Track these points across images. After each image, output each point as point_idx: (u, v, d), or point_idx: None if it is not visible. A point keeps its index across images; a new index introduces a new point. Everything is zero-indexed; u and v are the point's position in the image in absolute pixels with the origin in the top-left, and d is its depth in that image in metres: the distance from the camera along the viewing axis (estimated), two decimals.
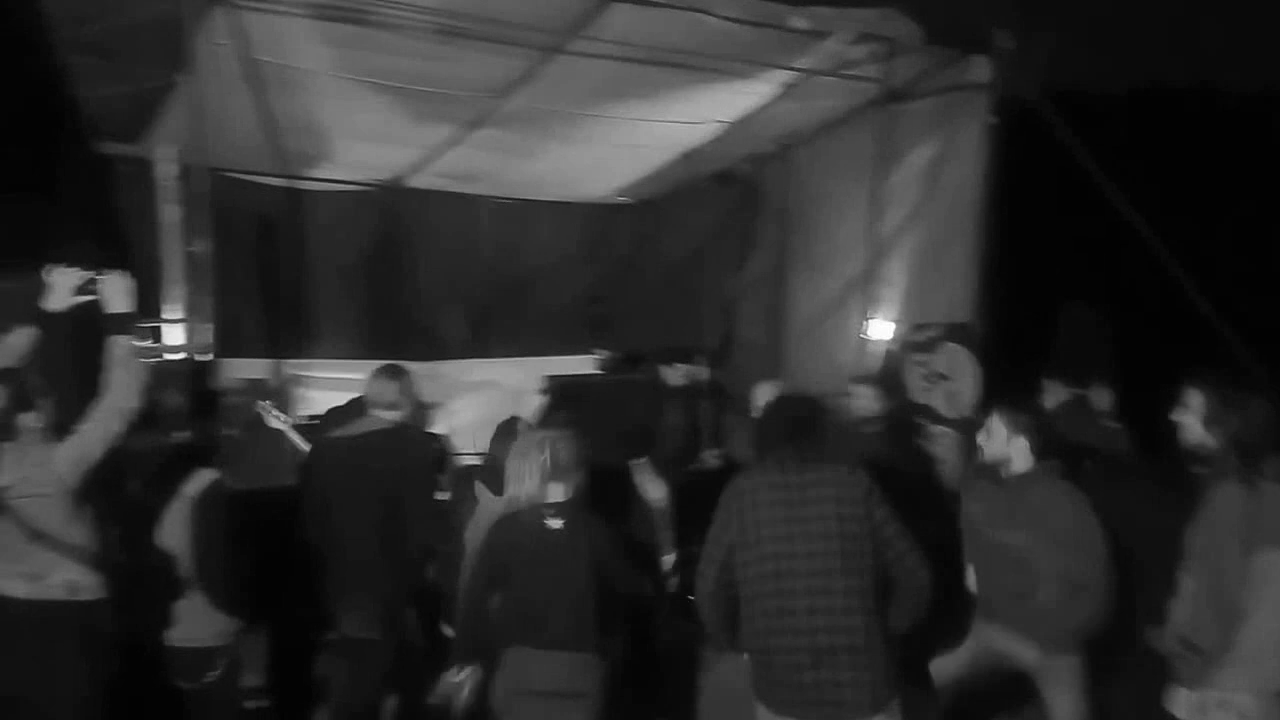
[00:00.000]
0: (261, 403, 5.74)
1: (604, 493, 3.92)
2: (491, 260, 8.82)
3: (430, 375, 8.38)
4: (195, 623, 3.75)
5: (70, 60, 5.20)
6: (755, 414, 5.26)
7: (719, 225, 9.07)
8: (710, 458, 7.23)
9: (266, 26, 5.25)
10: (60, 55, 5.10)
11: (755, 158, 8.43)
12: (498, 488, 3.95)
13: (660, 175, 8.52)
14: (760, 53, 6.07)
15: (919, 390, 6.76)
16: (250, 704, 4.39)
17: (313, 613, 4.25)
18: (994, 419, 4.15)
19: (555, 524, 3.56)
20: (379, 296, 8.41)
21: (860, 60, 6.37)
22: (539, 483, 3.64)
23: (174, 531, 3.73)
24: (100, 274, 3.64)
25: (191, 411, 3.99)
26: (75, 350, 3.82)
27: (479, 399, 8.14)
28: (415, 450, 4.44)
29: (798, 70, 6.40)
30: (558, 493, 3.64)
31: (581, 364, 8.44)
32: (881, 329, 7.18)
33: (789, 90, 6.79)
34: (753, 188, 8.80)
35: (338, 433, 4.49)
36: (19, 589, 3.34)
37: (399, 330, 8.42)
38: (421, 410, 5.22)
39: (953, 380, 6.57)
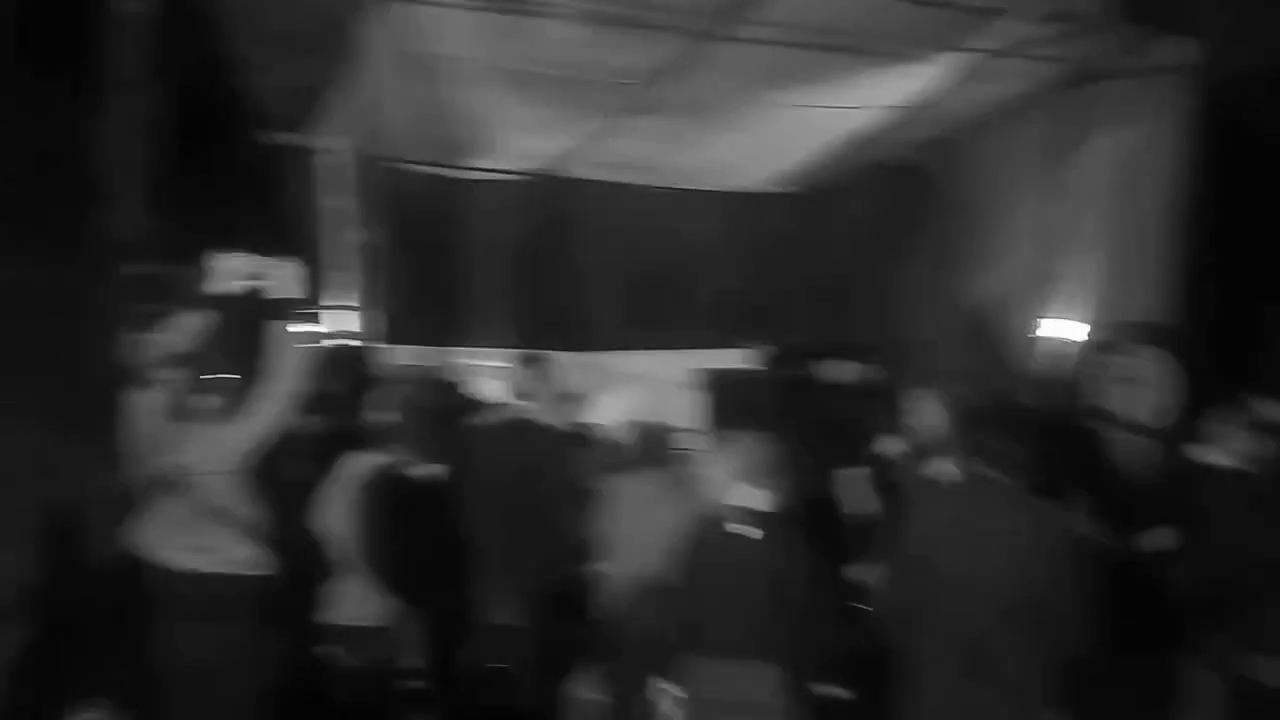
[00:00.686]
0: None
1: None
2: (649, 250, 8.70)
3: (585, 365, 8.42)
4: (354, 603, 3.81)
5: (242, 52, 5.39)
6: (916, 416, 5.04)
7: (886, 215, 8.70)
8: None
9: (427, 18, 5.32)
10: (233, 47, 5.29)
11: (927, 144, 8.03)
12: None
13: (824, 163, 8.24)
14: (933, 33, 5.75)
15: (1101, 393, 6.32)
16: (409, 685, 4.48)
17: (461, 598, 4.27)
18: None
19: (742, 530, 3.45)
20: (536, 285, 8.45)
21: (1044, 39, 5.95)
22: (733, 487, 3.53)
23: (333, 513, 3.80)
24: (268, 260, 3.74)
25: (353, 396, 4.07)
26: (245, 335, 3.92)
27: (633, 391, 8.10)
28: (552, 441, 4.41)
29: (974, 51, 6.03)
30: (753, 499, 3.51)
31: (738, 358, 8.26)
32: (1060, 327, 6.76)
33: (965, 73, 6.41)
34: (924, 176, 8.41)
35: (484, 421, 4.53)
36: (190, 562, 3.46)
37: (555, 319, 8.44)
38: (564, 399, 5.19)
39: (1141, 385, 6.10)
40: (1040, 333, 6.69)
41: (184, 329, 3.70)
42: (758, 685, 3.32)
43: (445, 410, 5.24)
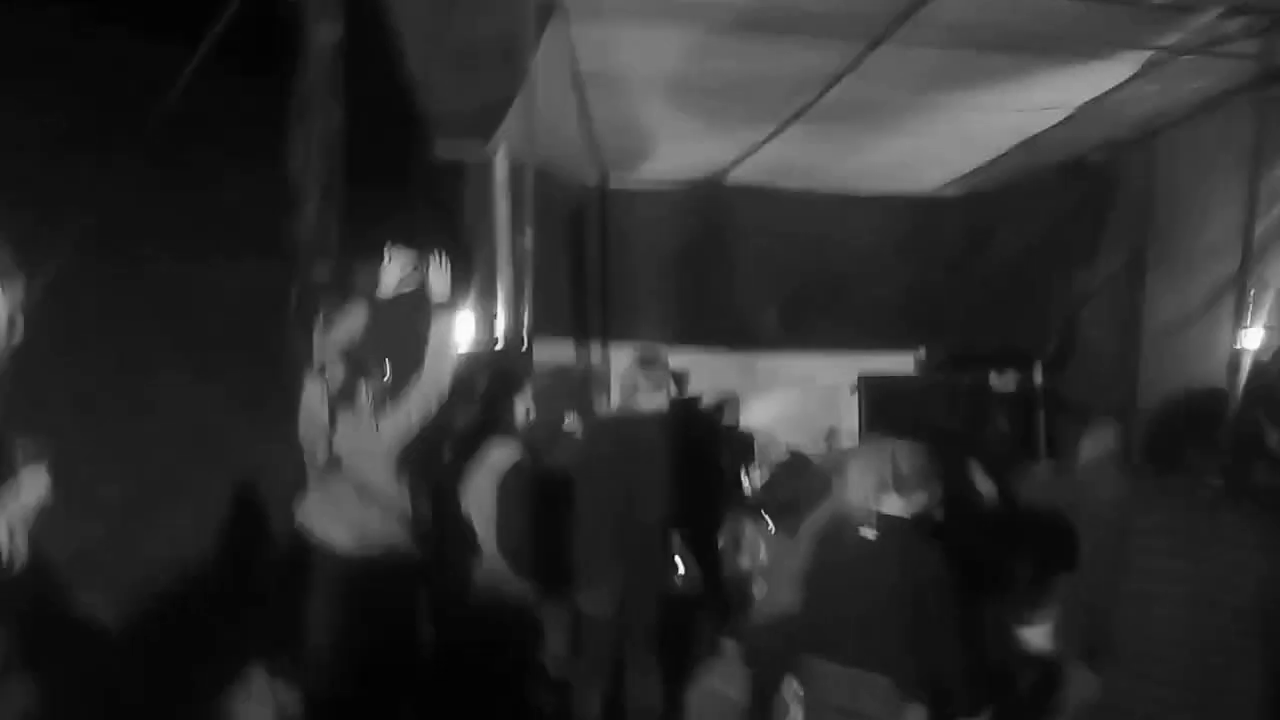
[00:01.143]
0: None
1: None
2: (810, 254, 8.64)
3: (743, 368, 8.50)
4: (495, 587, 4.02)
5: (424, 71, 5.77)
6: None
7: (1064, 219, 8.30)
8: (1041, 472, 6.71)
9: (599, 33, 5.52)
10: (412, 66, 5.67)
11: (1109, 145, 7.64)
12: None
13: (997, 165, 7.96)
14: (1115, 30, 5.49)
15: None
16: (550, 671, 4.69)
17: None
18: None
19: (872, 535, 3.40)
20: (696, 288, 8.56)
21: (1235, 35, 5.58)
22: (874, 493, 3.48)
23: (476, 501, 4.03)
24: (431, 263, 4.01)
25: (500, 392, 4.30)
26: (406, 331, 4.23)
27: (792, 394, 8.11)
28: (661, 437, 4.46)
29: (1160, 49, 5.72)
30: (894, 505, 3.47)
31: (902, 364, 8.13)
32: (1258, 338, 6.30)
33: (1149, 71, 6.07)
34: (1105, 178, 7.99)
35: (604, 416, 4.66)
36: (348, 539, 3.75)
37: (714, 321, 8.55)
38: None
39: None
40: (1239, 345, 6.25)
41: (352, 324, 4.02)
42: (872, 697, 3.26)
43: (582, 406, 5.47)
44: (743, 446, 6.56)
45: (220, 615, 4.27)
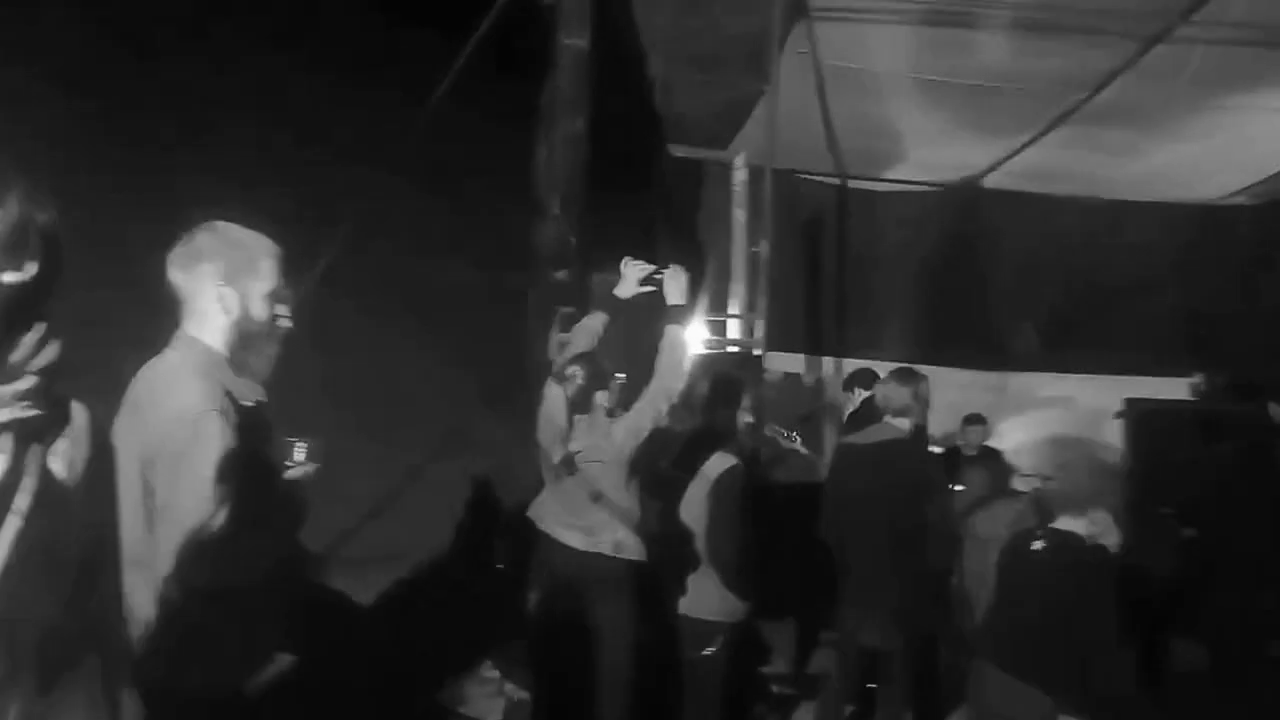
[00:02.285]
0: (778, 429, 5.88)
1: None
2: (1076, 266, 7.98)
3: (998, 387, 7.97)
4: (705, 597, 3.95)
5: (667, 74, 5.77)
6: None
7: None
8: None
9: (846, 33, 5.34)
10: (659, 68, 5.68)
11: None
12: None
13: None
14: None
15: None
16: (771, 688, 4.56)
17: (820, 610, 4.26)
18: None
19: (1038, 545, 3.31)
20: (945, 300, 8.09)
21: None
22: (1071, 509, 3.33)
23: (693, 509, 3.96)
24: (664, 268, 4.00)
25: (724, 400, 4.20)
26: (640, 337, 4.22)
27: (1049, 416, 7.53)
28: (921, 464, 4.21)
29: None
30: (1085, 525, 3.30)
31: (1174, 389, 7.38)
32: None
33: None
34: None
35: (854, 438, 4.46)
36: (577, 540, 3.77)
37: (967, 336, 8.05)
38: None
39: None
40: None
41: (588, 329, 4.07)
42: (1029, 710, 3.16)
43: (814, 421, 5.29)
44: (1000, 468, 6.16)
45: (456, 607, 4.42)
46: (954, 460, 6.51)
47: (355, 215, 4.49)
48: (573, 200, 4.77)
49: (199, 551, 2.05)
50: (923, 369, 7.19)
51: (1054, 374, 7.97)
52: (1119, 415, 6.14)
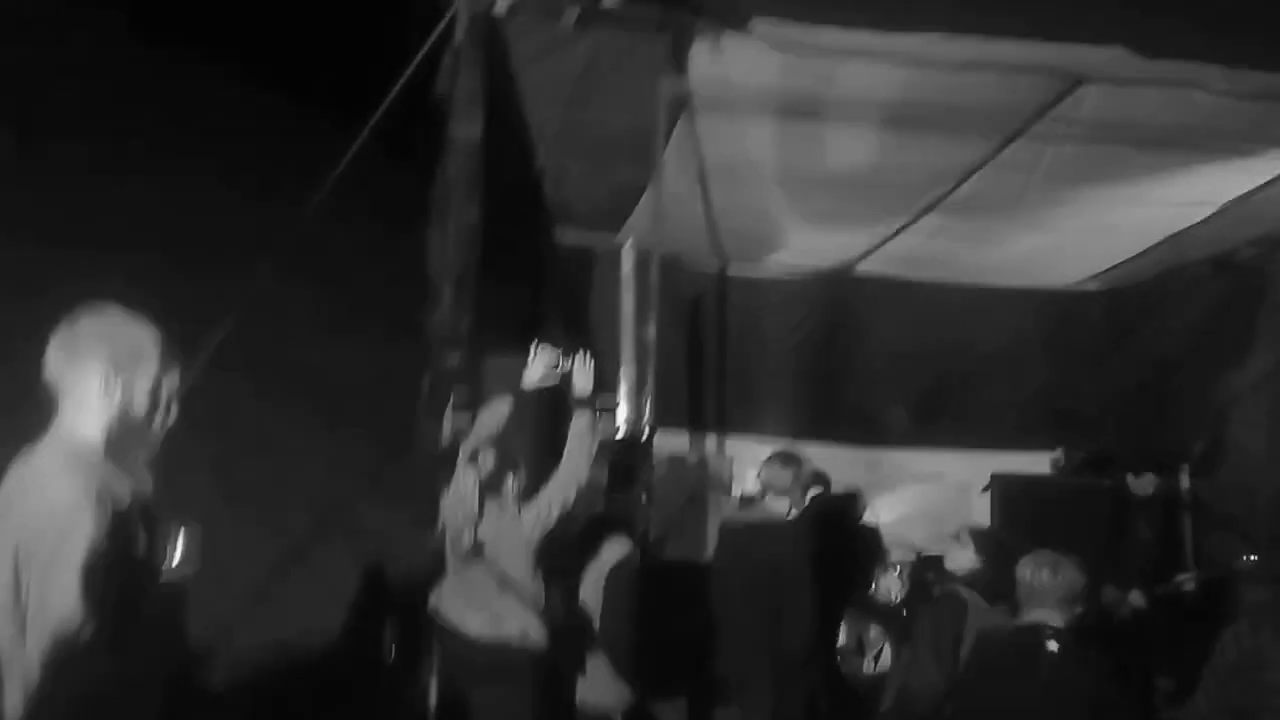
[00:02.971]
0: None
1: None
2: (942, 347, 8.44)
3: (872, 463, 8.28)
4: (598, 684, 3.97)
5: (557, 164, 5.94)
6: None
7: (1212, 316, 7.95)
8: (1186, 581, 6.34)
9: (728, 126, 5.60)
10: (548, 159, 5.85)
11: (1261, 241, 7.31)
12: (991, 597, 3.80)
13: (1140, 261, 7.68)
14: (1263, 127, 5.29)
15: None
16: None
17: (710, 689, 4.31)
18: None
19: (1053, 647, 3.38)
20: (821, 380, 8.43)
21: None
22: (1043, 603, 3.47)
23: (590, 595, 4.01)
24: (572, 356, 4.11)
25: (624, 484, 4.29)
26: (546, 423, 4.30)
27: (921, 490, 7.86)
28: (801, 543, 4.37)
29: None
30: (1054, 617, 3.46)
31: (1037, 463, 7.80)
32: None
33: None
34: (1257, 275, 7.64)
35: (739, 517, 4.59)
36: (479, 628, 3.77)
37: (838, 414, 8.39)
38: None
39: None
40: None
41: (494, 414, 4.12)
42: None
43: (699, 501, 5.42)
44: (874, 545, 6.38)
45: (346, 703, 4.31)
46: None
47: (244, 301, 4.45)
48: (466, 285, 4.82)
49: (66, 659, 1.99)
50: (801, 446, 7.54)
51: (925, 450, 8.35)
52: (986, 489, 6.46)
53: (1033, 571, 3.51)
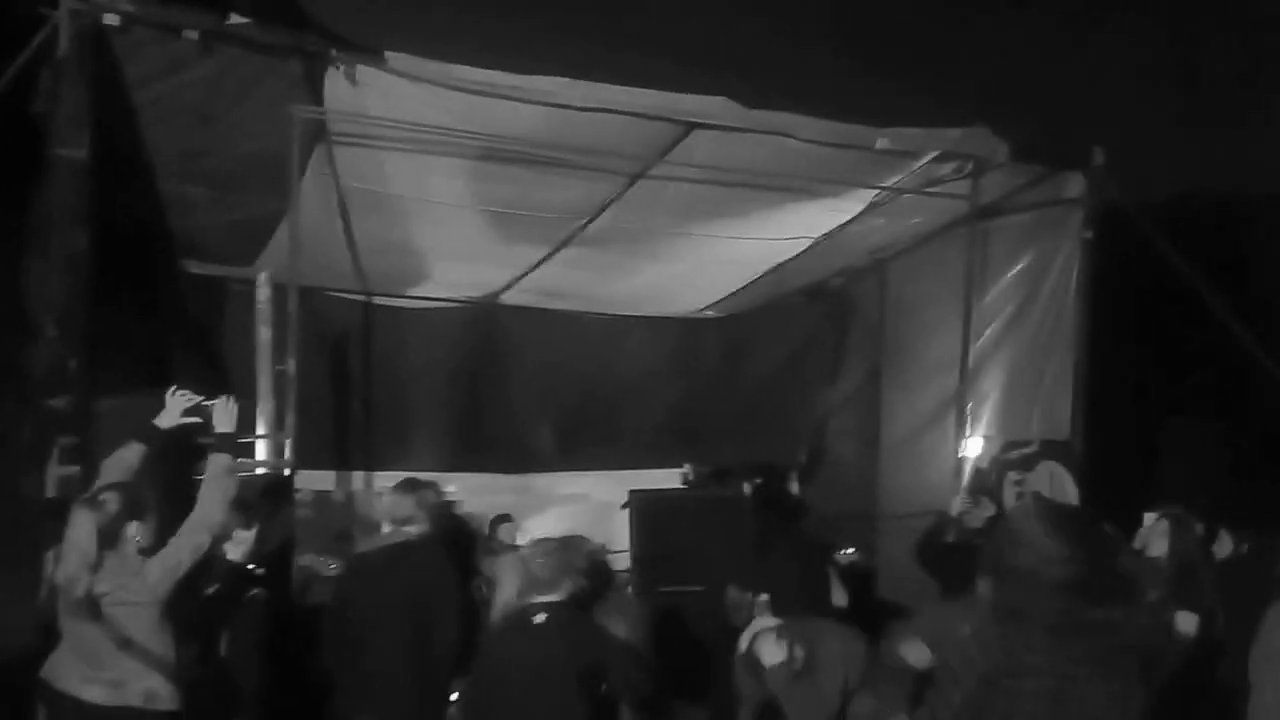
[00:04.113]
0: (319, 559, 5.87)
1: None
2: (582, 374, 8.87)
3: (521, 488, 8.49)
4: None
5: (181, 191, 5.58)
6: None
7: (809, 339, 9.04)
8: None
9: (367, 157, 5.55)
10: (171, 186, 5.48)
11: (847, 271, 8.43)
12: None
13: (749, 290, 8.55)
14: (847, 172, 6.14)
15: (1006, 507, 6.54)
16: None
17: None
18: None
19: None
20: (470, 409, 8.54)
21: (948, 178, 6.38)
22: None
23: (234, 646, 3.82)
24: (210, 398, 3.88)
25: (265, 526, 4.12)
26: (175, 467, 4.01)
27: (568, 511, 8.15)
28: (425, 567, 4.42)
29: (885, 189, 6.43)
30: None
31: (671, 478, 8.39)
32: (977, 446, 7.01)
33: (878, 207, 6.81)
34: (844, 301, 8.79)
35: (364, 548, 4.58)
36: (99, 695, 3.43)
37: (488, 443, 8.54)
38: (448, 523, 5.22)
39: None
40: (963, 451, 6.92)
41: (122, 461, 3.79)
42: None
43: (346, 539, 5.32)
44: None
45: None
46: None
47: None
48: (72, 320, 4.38)
49: None
50: (452, 476, 7.56)
51: (570, 473, 8.70)
52: (625, 505, 6.83)
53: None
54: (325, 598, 4.94)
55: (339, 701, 4.25)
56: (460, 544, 6.31)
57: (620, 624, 3.87)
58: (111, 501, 3.52)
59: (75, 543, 3.44)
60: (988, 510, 5.81)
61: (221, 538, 3.93)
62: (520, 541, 7.09)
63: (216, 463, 3.73)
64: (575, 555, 3.67)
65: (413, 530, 4.39)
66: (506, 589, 3.70)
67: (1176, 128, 6.92)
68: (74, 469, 4.10)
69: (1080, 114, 6.40)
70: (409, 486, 4.53)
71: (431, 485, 4.65)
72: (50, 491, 4.10)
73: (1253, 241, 8.78)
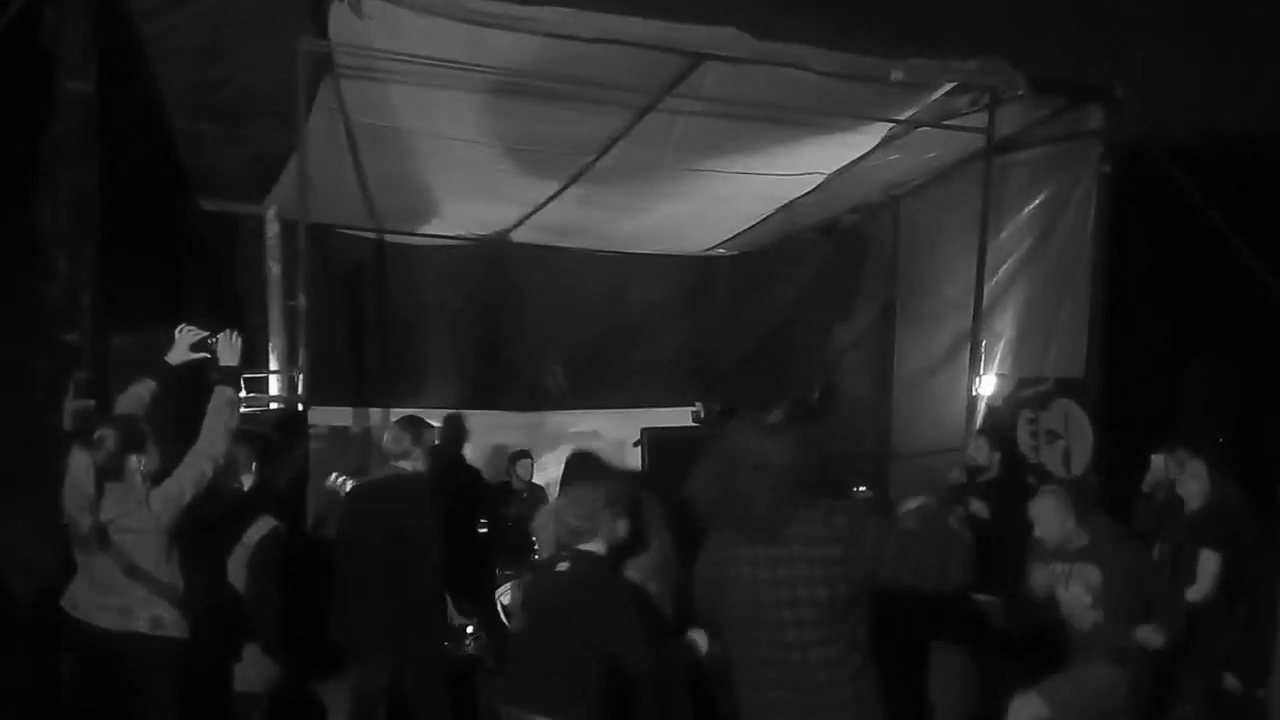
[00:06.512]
0: (336, 478, 5.92)
1: None
2: (593, 312, 8.88)
3: (535, 425, 8.55)
4: (248, 668, 3.86)
5: (190, 126, 5.55)
6: None
7: (822, 277, 8.98)
8: None
9: (374, 92, 5.50)
10: (180, 121, 5.45)
11: (861, 208, 8.34)
12: None
13: (762, 228, 8.48)
14: (861, 105, 6.02)
15: (1029, 447, 6.54)
16: None
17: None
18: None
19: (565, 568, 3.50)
20: (482, 348, 8.57)
21: (964, 110, 6.27)
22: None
23: (237, 577, 3.88)
24: (218, 333, 3.91)
25: (268, 459, 4.17)
26: (182, 400, 4.04)
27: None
28: (419, 500, 4.48)
29: (900, 122, 6.33)
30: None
31: (683, 416, 8.42)
32: (991, 384, 6.99)
33: (892, 141, 6.70)
34: (858, 238, 8.70)
35: (364, 481, 4.65)
36: (109, 621, 3.50)
37: (501, 381, 8.59)
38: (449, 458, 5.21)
39: (1066, 438, 6.33)
40: (976, 389, 6.89)
41: (135, 396, 3.84)
42: None
43: (364, 474, 5.38)
44: (532, 501, 6.60)
45: None
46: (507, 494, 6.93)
47: None
48: (83, 257, 4.40)
49: None
50: (465, 413, 7.60)
51: (582, 411, 8.75)
52: (637, 443, 6.87)
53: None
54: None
55: (335, 629, 4.35)
56: (455, 482, 6.42)
57: (655, 581, 3.86)
58: (109, 438, 3.57)
59: (73, 482, 3.49)
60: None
61: (234, 471, 3.98)
62: (537, 480, 7.21)
63: (220, 395, 3.77)
64: (606, 500, 3.60)
65: (407, 466, 4.45)
66: (545, 543, 3.70)
67: (1201, 61, 6.72)
68: (89, 402, 4.15)
69: (1101, 46, 6.21)
70: (409, 423, 4.59)
71: (431, 426, 4.71)
72: (67, 425, 4.16)
73: (1277, 178, 8.62)
